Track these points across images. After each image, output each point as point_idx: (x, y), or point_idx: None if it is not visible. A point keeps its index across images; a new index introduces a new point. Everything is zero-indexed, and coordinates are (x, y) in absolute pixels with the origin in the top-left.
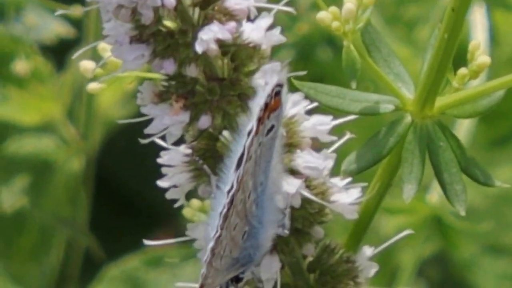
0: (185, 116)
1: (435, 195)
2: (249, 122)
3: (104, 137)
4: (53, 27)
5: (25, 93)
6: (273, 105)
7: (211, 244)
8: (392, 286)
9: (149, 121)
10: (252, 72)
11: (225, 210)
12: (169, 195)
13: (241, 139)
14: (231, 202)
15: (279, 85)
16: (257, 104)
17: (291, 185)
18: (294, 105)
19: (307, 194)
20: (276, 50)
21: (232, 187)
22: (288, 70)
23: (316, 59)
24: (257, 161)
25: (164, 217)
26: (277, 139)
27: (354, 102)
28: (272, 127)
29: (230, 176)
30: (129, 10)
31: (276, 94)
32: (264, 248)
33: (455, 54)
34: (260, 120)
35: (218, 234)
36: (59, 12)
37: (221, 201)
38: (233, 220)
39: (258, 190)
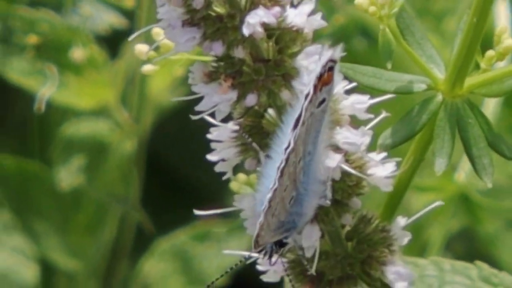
0: (233, 94)
1: (462, 174)
2: (305, 90)
3: (155, 120)
4: (107, 18)
5: (81, 80)
6: (326, 78)
7: (269, 195)
8: (422, 257)
9: (199, 100)
10: (295, 54)
11: (282, 165)
12: (217, 168)
13: (298, 103)
14: (287, 159)
15: (333, 61)
16: (313, 73)
17: (332, 159)
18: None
19: (346, 167)
20: (315, 39)
21: (289, 145)
22: (338, 50)
23: (351, 48)
24: (308, 130)
25: (209, 196)
26: (326, 112)
27: (389, 81)
28: (324, 100)
29: (287, 135)
30: None
31: (329, 69)
32: (307, 216)
33: (482, 39)
34: (315, 87)
35: (275, 186)
36: (114, 2)
37: (274, 166)
38: (285, 179)
39: (306, 159)
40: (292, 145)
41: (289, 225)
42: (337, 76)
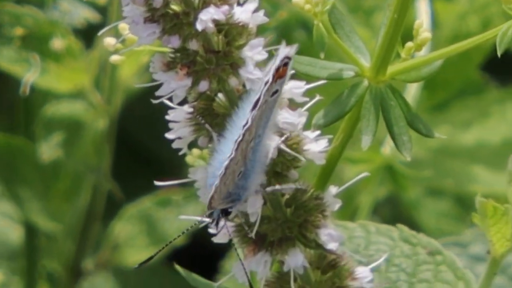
0: (188, 81)
1: (387, 148)
2: (265, 74)
3: (124, 102)
4: (83, 13)
5: (60, 67)
6: (281, 72)
7: (226, 162)
8: (353, 220)
9: (159, 86)
10: (242, 46)
11: (239, 138)
12: (175, 145)
13: (257, 88)
14: (244, 135)
15: (288, 58)
16: (272, 65)
17: (273, 140)
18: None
19: (284, 148)
20: (261, 31)
21: (247, 122)
22: (293, 49)
23: (292, 39)
24: (261, 115)
25: (169, 168)
26: (277, 101)
27: (323, 69)
28: (276, 91)
29: (245, 115)
30: None
31: (285, 64)
32: (250, 190)
33: (403, 33)
34: (274, 76)
35: (232, 155)
36: (88, 0)
37: (226, 143)
38: (238, 154)
39: (256, 140)
40: (249, 123)
41: (235, 197)
42: (290, 70)
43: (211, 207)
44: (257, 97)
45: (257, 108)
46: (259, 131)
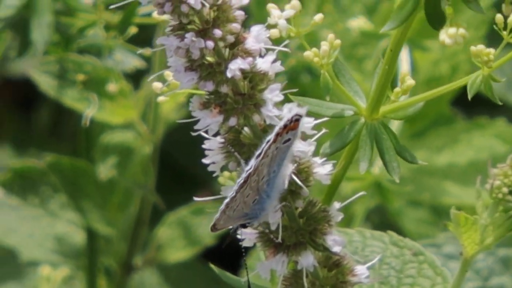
0: (220, 118)
1: (376, 169)
2: (270, 134)
3: (165, 131)
4: (132, 61)
5: (114, 104)
6: (292, 126)
7: (226, 200)
8: (350, 226)
9: (197, 121)
10: (263, 90)
11: (242, 181)
12: (210, 168)
13: (263, 143)
14: (247, 178)
15: (299, 115)
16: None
17: (289, 169)
18: (290, 111)
19: (296, 178)
20: (276, 75)
21: (250, 168)
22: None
23: (300, 82)
24: (273, 158)
25: (204, 186)
26: (291, 147)
27: (328, 109)
28: (289, 139)
29: (253, 160)
30: (184, 50)
31: (296, 120)
32: (268, 211)
33: (391, 80)
34: (278, 134)
35: (233, 195)
36: (137, 52)
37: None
38: (246, 190)
39: (271, 175)
40: (253, 168)
41: (252, 215)
42: (302, 124)
43: (215, 229)
44: (259, 150)
45: (258, 160)
46: (274, 168)
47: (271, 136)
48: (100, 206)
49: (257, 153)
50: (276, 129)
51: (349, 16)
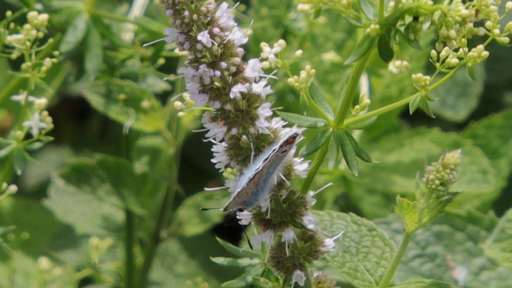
0: (224, 129)
1: (342, 166)
2: (275, 145)
3: (184, 138)
4: (161, 85)
5: (147, 117)
6: (290, 141)
7: (238, 189)
8: (321, 209)
9: (207, 131)
10: (257, 107)
11: (252, 177)
12: (217, 166)
13: (269, 151)
14: (254, 176)
15: (297, 134)
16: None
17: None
18: (276, 122)
19: (281, 174)
20: (267, 96)
21: (259, 168)
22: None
23: (285, 101)
24: (272, 163)
25: (212, 178)
26: (286, 156)
27: (305, 121)
28: (285, 150)
29: (259, 162)
30: (198, 77)
31: (294, 137)
32: (260, 201)
33: (353, 99)
34: (281, 146)
35: (244, 186)
36: (164, 78)
37: (247, 174)
38: (251, 184)
39: (267, 175)
40: (260, 169)
41: (248, 203)
42: (298, 140)
43: (226, 210)
44: (267, 155)
45: (266, 162)
46: (270, 170)
47: (276, 147)
48: (136, 193)
49: (265, 158)
50: (280, 142)
51: (322, 51)
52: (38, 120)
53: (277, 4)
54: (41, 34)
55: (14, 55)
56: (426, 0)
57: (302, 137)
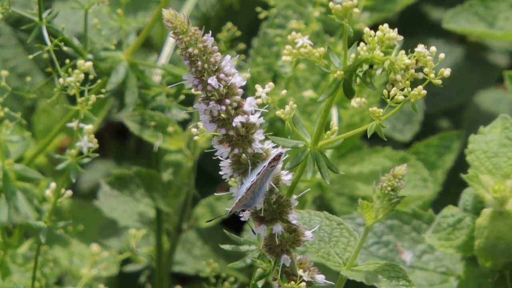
0: (228, 149)
1: (318, 175)
2: (266, 162)
3: (200, 154)
4: (181, 115)
5: (172, 139)
6: (276, 158)
7: (239, 197)
8: (302, 209)
9: (216, 150)
10: (253, 133)
11: (249, 187)
12: (223, 177)
13: (261, 166)
14: (251, 185)
15: (281, 153)
16: (269, 156)
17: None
18: (268, 144)
19: (271, 183)
20: (261, 124)
21: (253, 180)
22: (285, 150)
23: (275, 127)
24: (264, 175)
25: (221, 185)
26: (274, 170)
27: (289, 143)
28: (273, 165)
29: (253, 176)
30: (208, 111)
31: (279, 155)
32: (256, 203)
33: (326, 126)
34: (269, 163)
35: (243, 194)
36: (184, 110)
37: (246, 184)
38: (249, 192)
39: (261, 184)
40: (254, 181)
41: (248, 205)
42: (283, 158)
43: (231, 212)
44: (259, 169)
45: (259, 176)
46: (263, 180)
47: (266, 163)
48: (163, 196)
49: (257, 172)
50: (269, 159)
51: (303, 90)
52: (86, 141)
53: (269, 54)
54: (91, 76)
55: (71, 92)
56: (379, 53)
57: (287, 155)
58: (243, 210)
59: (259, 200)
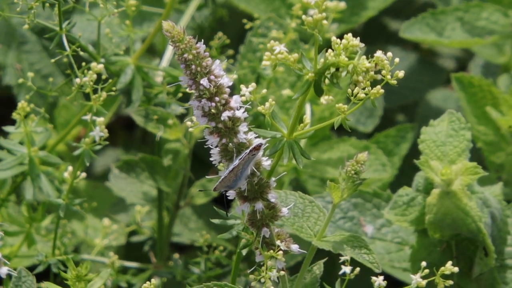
0: (217, 139)
1: (293, 161)
2: (246, 150)
3: (194, 143)
4: (179, 110)
5: (171, 130)
6: (257, 147)
7: (222, 177)
8: (280, 189)
9: (207, 140)
10: (238, 125)
11: (230, 170)
12: (213, 162)
13: (243, 153)
14: (232, 169)
15: (261, 143)
16: (251, 146)
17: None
18: (251, 135)
19: (253, 168)
20: (245, 118)
21: (235, 164)
22: (265, 141)
23: (258, 120)
24: (246, 161)
25: (212, 169)
26: (255, 157)
27: (269, 134)
28: (254, 154)
29: (236, 161)
30: (201, 107)
31: (259, 145)
32: (239, 185)
33: (300, 119)
34: (250, 152)
35: (225, 175)
36: (182, 105)
37: (229, 167)
38: (231, 174)
39: (242, 169)
40: (236, 165)
41: (231, 186)
42: (263, 148)
43: (215, 190)
44: (241, 156)
45: (239, 161)
46: (245, 166)
47: (247, 151)
48: (164, 178)
49: (240, 157)
50: (250, 148)
51: (282, 89)
52: (99, 131)
53: (253, 59)
54: (103, 77)
55: (86, 90)
56: (344, 58)
57: (267, 144)
58: (227, 190)
59: (242, 182)
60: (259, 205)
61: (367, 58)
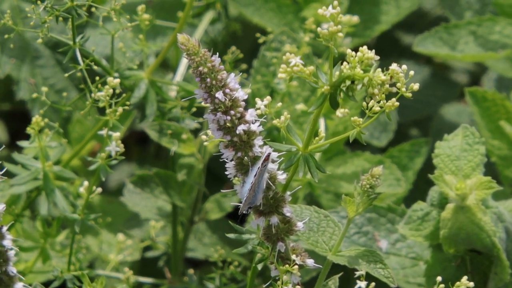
0: (233, 153)
1: (308, 175)
2: (258, 164)
3: (209, 158)
4: (193, 124)
5: (185, 145)
6: (266, 158)
7: (244, 198)
8: (295, 203)
9: (222, 154)
10: (254, 139)
11: (250, 188)
12: (229, 176)
13: (255, 169)
14: (251, 186)
15: (269, 153)
16: (262, 155)
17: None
18: (266, 149)
19: (269, 181)
20: (260, 132)
21: (253, 181)
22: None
23: (272, 134)
24: (260, 174)
25: (227, 183)
26: (266, 168)
27: (284, 147)
28: (265, 164)
29: (252, 176)
30: (216, 120)
31: (268, 155)
32: (257, 201)
33: (314, 133)
34: (262, 163)
35: (247, 195)
36: (195, 120)
37: (247, 185)
38: (251, 192)
39: (258, 183)
40: (253, 182)
41: (252, 202)
42: (272, 156)
43: (241, 212)
44: (254, 171)
45: (256, 175)
46: (259, 179)
47: (259, 164)
48: (178, 193)
49: (254, 173)
50: (261, 160)
51: (296, 103)
52: (114, 146)
53: (267, 73)
54: (118, 91)
55: (101, 105)
56: (359, 70)
57: (281, 158)
58: (250, 208)
59: (259, 196)
60: (275, 220)
61: (382, 72)
